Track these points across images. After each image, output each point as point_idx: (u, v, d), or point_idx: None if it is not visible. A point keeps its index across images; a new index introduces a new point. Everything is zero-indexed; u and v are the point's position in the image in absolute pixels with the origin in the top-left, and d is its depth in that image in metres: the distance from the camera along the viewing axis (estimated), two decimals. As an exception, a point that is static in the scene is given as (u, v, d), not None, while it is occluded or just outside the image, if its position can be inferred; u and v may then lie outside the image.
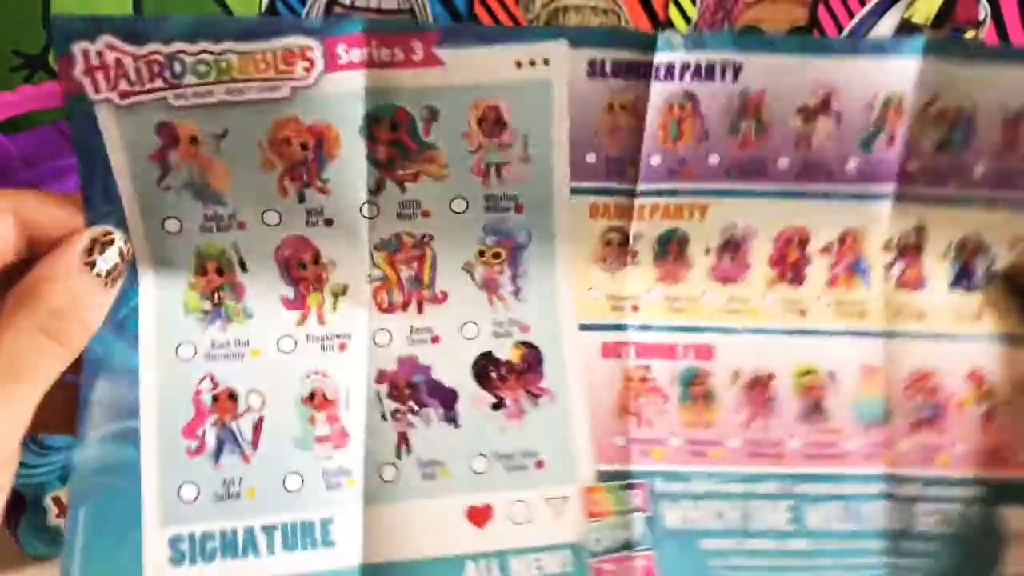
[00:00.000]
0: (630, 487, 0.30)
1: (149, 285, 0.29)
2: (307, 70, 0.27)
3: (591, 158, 0.30)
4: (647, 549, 0.30)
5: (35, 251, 0.27)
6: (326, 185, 0.29)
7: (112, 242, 0.27)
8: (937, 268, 0.32)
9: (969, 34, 0.31)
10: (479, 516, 0.30)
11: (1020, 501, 0.31)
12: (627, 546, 0.30)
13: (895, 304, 0.32)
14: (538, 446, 0.30)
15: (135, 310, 0.28)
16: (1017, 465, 0.31)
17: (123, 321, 0.28)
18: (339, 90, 0.28)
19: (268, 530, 0.28)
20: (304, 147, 0.28)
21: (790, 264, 0.32)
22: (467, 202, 0.30)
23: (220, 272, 0.29)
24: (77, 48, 0.25)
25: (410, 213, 0.30)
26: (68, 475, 0.28)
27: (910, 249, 0.32)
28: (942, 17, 0.32)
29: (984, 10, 0.31)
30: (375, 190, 0.29)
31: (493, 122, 0.29)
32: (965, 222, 0.32)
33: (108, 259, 0.27)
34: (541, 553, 0.30)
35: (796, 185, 0.31)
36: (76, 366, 0.27)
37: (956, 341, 0.32)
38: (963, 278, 0.32)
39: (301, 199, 0.29)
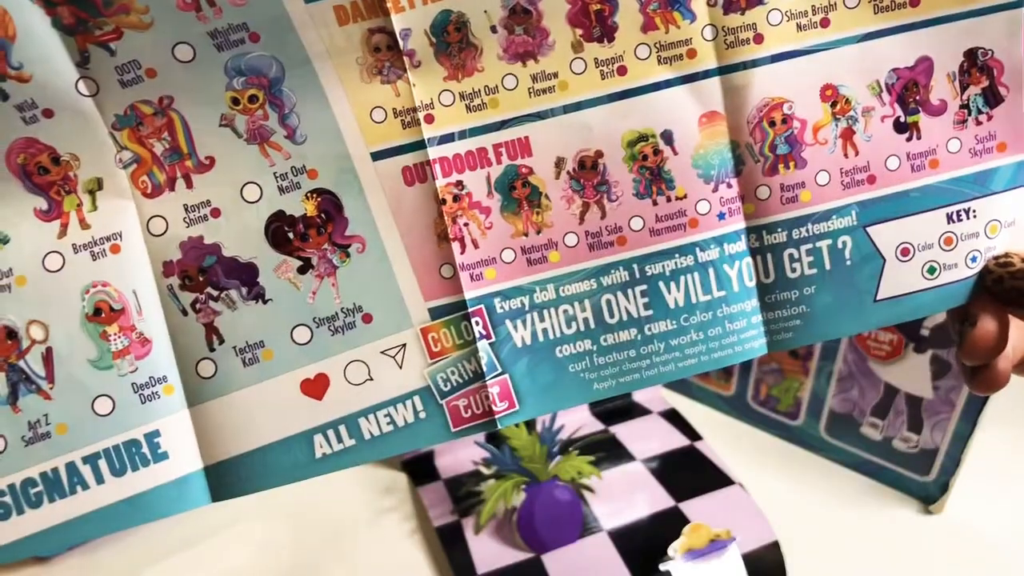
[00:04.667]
0: (467, 316, 0.28)
1: None
2: None
3: None
4: (499, 374, 0.28)
5: None
6: (22, 72, 0.24)
7: None
8: None
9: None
10: (315, 388, 0.27)
11: (887, 217, 0.28)
12: (477, 376, 0.28)
13: (727, 32, 0.27)
14: (361, 299, 0.27)
15: None
16: (885, 180, 0.28)
17: None
18: None
19: (91, 460, 0.26)
20: None
21: (594, 16, 0.26)
22: (192, 47, 0.25)
23: None
24: None
25: (133, 78, 0.25)
26: None
27: None
28: None
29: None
30: (82, 62, 0.25)
31: None
32: None
33: None
34: (389, 407, 0.28)
35: (568, -85, 0.25)
36: None
37: (803, 57, 0.27)
38: None
39: (4, 96, 0.24)
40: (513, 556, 0.51)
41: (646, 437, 0.62)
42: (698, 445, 0.61)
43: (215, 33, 0.25)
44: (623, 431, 0.63)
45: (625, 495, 0.56)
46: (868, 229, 0.28)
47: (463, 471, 0.59)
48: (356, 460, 0.28)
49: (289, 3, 0.25)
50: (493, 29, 0.26)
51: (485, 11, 0.26)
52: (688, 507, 0.54)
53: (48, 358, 0.26)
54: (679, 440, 0.62)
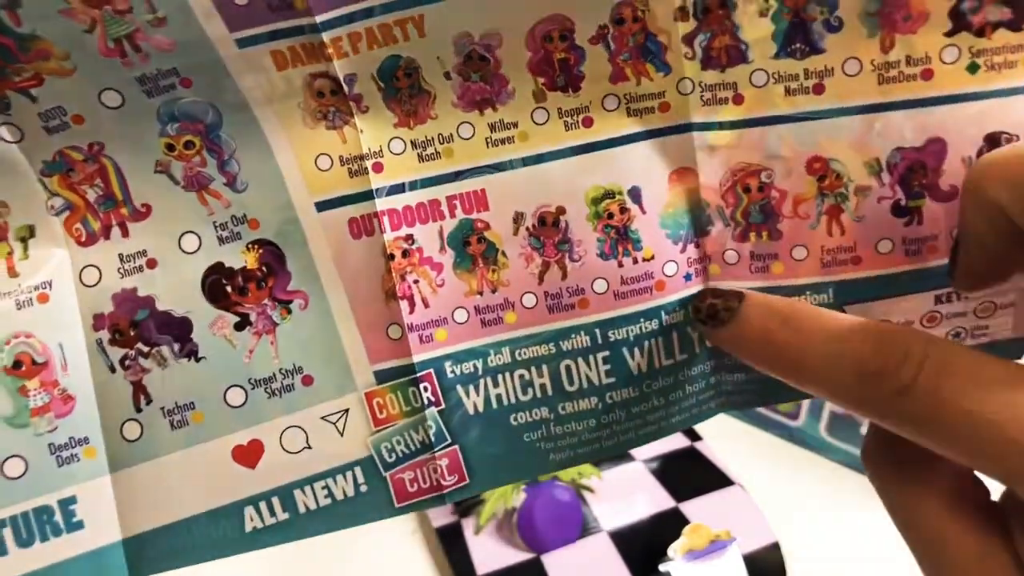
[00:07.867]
0: (416, 381, 0.26)
1: None
2: None
3: None
4: (449, 444, 0.26)
5: None
6: None
7: None
8: (756, 29, 0.24)
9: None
10: (248, 455, 0.25)
11: (869, 297, 0.26)
12: (425, 447, 0.26)
13: (704, 88, 0.25)
14: (301, 360, 0.26)
15: None
16: (872, 262, 0.25)
17: None
18: None
19: None
20: None
21: (558, 65, 0.25)
22: (120, 93, 0.24)
23: None
24: None
25: (59, 124, 0.24)
26: None
27: (714, 9, 0.24)
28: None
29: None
30: (2, 108, 0.23)
31: None
32: None
33: None
34: (328, 478, 0.26)
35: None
36: None
37: (790, 124, 0.25)
38: (796, 38, 0.24)
39: None
40: (513, 556, 0.51)
41: (646, 436, 0.62)
42: (698, 445, 0.61)
43: (143, 79, 0.23)
44: (623, 430, 0.63)
45: (625, 495, 0.56)
46: (846, 307, 0.26)
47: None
48: (289, 536, 0.26)
49: (222, 48, 0.23)
50: (447, 75, 0.25)
51: (438, 57, 0.24)
52: (688, 507, 0.54)
53: None
54: (679, 440, 0.62)
